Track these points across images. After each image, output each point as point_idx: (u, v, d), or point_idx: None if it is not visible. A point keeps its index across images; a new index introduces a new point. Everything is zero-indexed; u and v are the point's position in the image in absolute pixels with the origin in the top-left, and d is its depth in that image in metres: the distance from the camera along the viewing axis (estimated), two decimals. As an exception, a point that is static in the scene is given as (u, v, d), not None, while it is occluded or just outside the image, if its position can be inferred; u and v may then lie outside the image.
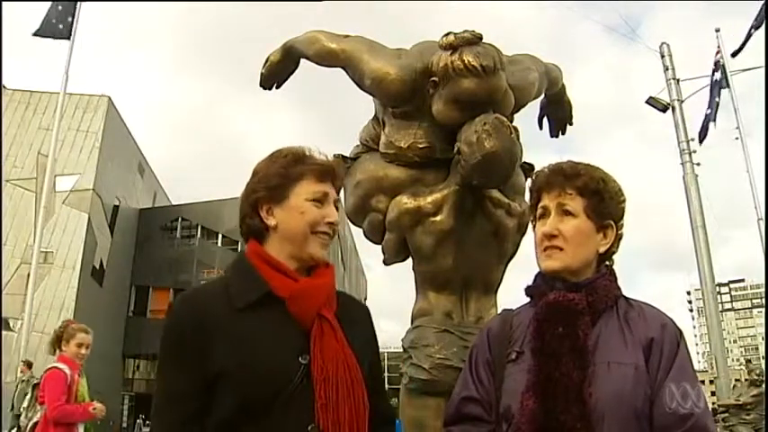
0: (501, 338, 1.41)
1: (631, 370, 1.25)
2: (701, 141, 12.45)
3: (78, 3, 12.75)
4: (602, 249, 1.39)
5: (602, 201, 1.38)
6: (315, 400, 1.25)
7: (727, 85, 12.64)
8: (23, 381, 9.93)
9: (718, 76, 12.56)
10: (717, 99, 12.46)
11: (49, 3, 12.53)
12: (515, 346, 1.37)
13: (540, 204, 1.42)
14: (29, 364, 10.24)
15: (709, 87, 12.62)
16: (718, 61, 12.69)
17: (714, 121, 12.32)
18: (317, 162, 1.40)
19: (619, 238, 1.43)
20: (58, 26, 12.46)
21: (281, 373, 1.25)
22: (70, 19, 12.53)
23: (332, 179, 1.41)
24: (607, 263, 1.44)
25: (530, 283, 1.45)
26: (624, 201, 1.44)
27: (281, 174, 1.38)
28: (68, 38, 12.55)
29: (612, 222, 1.40)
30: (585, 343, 1.28)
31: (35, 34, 12.33)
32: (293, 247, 1.37)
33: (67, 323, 4.08)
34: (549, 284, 1.38)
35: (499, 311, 2.87)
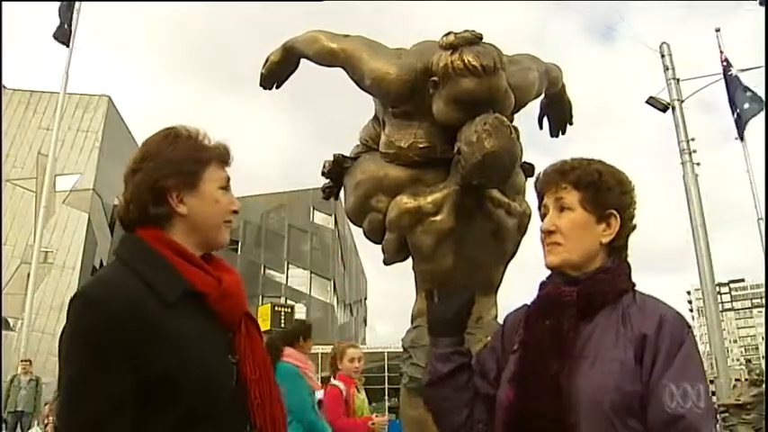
0: (512, 330, 1.44)
1: (617, 366, 1.23)
2: (741, 139, 12.24)
3: (79, 3, 12.75)
4: (605, 240, 1.36)
5: (598, 191, 1.37)
6: (250, 399, 1.23)
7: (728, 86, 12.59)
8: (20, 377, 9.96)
9: (733, 72, 12.37)
10: (747, 93, 12.11)
11: (57, 3, 12.53)
12: (518, 338, 1.39)
13: (543, 203, 1.44)
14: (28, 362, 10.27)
15: (725, 86, 12.40)
16: (726, 60, 12.58)
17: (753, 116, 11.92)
18: (219, 146, 1.34)
19: (628, 227, 1.39)
20: (63, 29, 12.50)
21: (222, 374, 1.21)
22: (67, 24, 12.54)
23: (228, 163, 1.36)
24: (621, 255, 1.40)
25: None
26: (630, 190, 1.41)
27: (193, 159, 1.28)
28: (66, 44, 12.59)
29: (615, 212, 1.37)
30: (568, 335, 1.28)
31: (54, 36, 12.41)
32: (201, 236, 1.29)
33: (337, 343, 4.57)
34: (550, 279, 1.41)
35: (499, 311, 2.90)
